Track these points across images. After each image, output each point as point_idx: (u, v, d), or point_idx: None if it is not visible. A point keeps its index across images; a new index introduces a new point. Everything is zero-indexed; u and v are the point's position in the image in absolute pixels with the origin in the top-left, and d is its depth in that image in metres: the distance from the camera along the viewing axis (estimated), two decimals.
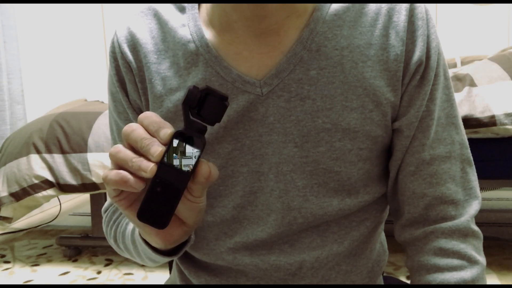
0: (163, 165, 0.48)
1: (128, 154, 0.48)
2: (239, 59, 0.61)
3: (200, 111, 0.50)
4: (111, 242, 0.73)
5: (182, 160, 0.48)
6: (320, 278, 0.65)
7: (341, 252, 0.65)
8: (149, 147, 0.47)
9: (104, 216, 0.75)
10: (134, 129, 0.49)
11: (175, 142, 0.48)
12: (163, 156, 0.47)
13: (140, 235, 0.60)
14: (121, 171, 0.48)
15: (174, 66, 0.63)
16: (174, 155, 0.48)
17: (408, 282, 0.88)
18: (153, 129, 0.48)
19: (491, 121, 1.67)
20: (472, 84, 1.76)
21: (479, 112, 1.68)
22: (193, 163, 0.48)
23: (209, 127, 0.51)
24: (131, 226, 0.66)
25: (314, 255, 0.64)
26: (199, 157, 0.49)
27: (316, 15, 0.60)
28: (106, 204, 0.75)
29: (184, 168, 0.48)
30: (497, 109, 1.68)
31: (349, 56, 0.59)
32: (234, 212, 0.63)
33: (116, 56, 0.65)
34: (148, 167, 0.47)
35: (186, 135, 0.48)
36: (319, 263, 0.64)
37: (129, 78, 0.65)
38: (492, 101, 1.70)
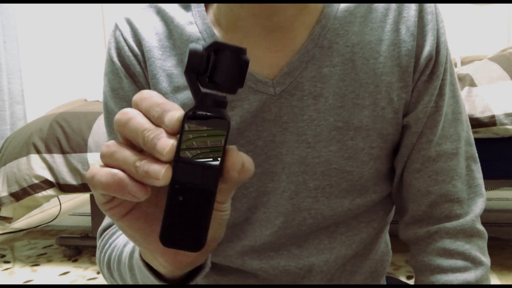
0: (179, 163, 0.34)
1: (127, 155, 0.35)
2: (249, 58, 0.59)
3: (213, 76, 0.36)
4: (104, 271, 0.60)
5: (203, 150, 0.34)
6: (326, 280, 0.65)
7: (349, 254, 0.64)
8: (155, 141, 0.34)
9: (99, 241, 0.63)
10: (131, 117, 0.36)
11: (188, 127, 0.34)
12: (176, 150, 0.34)
13: (140, 257, 0.46)
14: (116, 171, 0.35)
15: (181, 64, 0.60)
16: (191, 145, 0.34)
17: (408, 282, 0.88)
18: (156, 114, 0.35)
19: (491, 121, 1.67)
20: (472, 84, 1.76)
21: (479, 112, 1.68)
22: (220, 152, 0.34)
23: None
24: (128, 248, 0.53)
25: (323, 258, 0.63)
26: (225, 142, 0.35)
27: (327, 11, 0.59)
28: (103, 224, 0.64)
29: (208, 162, 0.34)
30: (497, 109, 1.68)
31: (360, 53, 0.58)
32: (248, 213, 0.62)
33: (120, 52, 0.62)
34: (160, 172, 0.34)
35: (201, 115, 0.34)
36: (328, 266, 0.64)
37: (138, 71, 0.61)
38: (492, 101, 1.70)
